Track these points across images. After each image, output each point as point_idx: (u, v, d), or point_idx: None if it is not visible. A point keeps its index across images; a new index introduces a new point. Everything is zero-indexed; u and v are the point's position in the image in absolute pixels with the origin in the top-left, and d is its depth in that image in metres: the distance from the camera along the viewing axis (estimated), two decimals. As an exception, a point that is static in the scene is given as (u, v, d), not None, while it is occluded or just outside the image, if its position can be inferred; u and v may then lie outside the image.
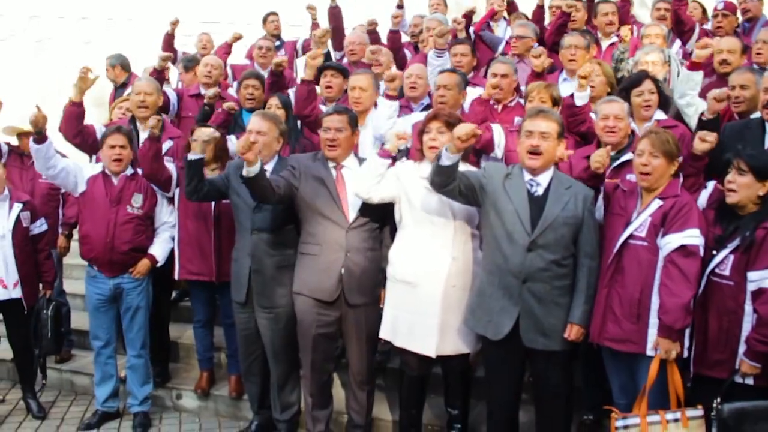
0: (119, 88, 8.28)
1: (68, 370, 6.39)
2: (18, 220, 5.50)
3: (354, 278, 4.63)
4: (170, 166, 5.57)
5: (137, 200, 5.37)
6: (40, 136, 5.07)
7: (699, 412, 3.77)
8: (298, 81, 6.93)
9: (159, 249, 5.52)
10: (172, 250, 5.61)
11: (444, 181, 4.12)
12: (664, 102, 5.13)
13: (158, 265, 5.52)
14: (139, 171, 5.50)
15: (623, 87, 5.20)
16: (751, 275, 3.77)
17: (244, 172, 4.33)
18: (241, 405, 5.72)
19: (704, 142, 4.16)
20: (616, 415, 3.87)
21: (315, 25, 9.28)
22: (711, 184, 4.31)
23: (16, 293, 5.48)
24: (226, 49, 8.52)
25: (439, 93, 5.41)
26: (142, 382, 5.61)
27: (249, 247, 4.87)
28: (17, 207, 5.50)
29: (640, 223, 4.01)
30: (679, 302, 3.78)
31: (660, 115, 5.08)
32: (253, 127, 4.86)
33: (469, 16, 7.96)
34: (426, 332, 4.39)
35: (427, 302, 4.37)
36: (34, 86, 11.11)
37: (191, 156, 4.84)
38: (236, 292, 5.01)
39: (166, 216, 5.57)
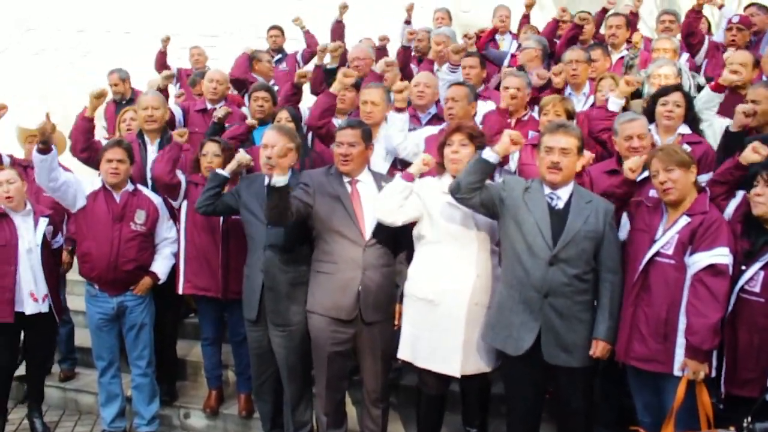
0: (125, 102, 8.22)
1: (72, 389, 6.29)
2: (45, 235, 5.41)
3: (371, 296, 4.55)
4: (181, 176, 5.50)
5: (140, 216, 5.29)
6: (46, 146, 4.98)
7: None
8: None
9: (161, 266, 5.45)
10: (175, 266, 5.53)
11: (476, 180, 4.07)
12: (692, 118, 5.07)
13: (160, 282, 5.43)
14: (140, 187, 5.43)
15: (654, 94, 5.17)
16: None
17: (273, 181, 4.23)
18: (251, 424, 5.62)
19: (756, 153, 4.05)
20: None
21: (308, 35, 9.27)
22: (740, 194, 4.25)
23: (45, 307, 5.37)
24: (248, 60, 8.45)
25: (448, 105, 5.39)
26: (149, 400, 5.52)
27: (262, 264, 4.79)
28: (43, 221, 5.41)
29: (666, 240, 3.96)
30: (707, 323, 3.73)
31: (685, 129, 5.04)
32: (269, 141, 4.78)
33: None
34: (450, 352, 4.32)
35: (450, 321, 4.30)
36: (31, 99, 11.06)
37: (221, 171, 4.99)
38: (248, 309, 4.92)
39: (167, 232, 5.49)
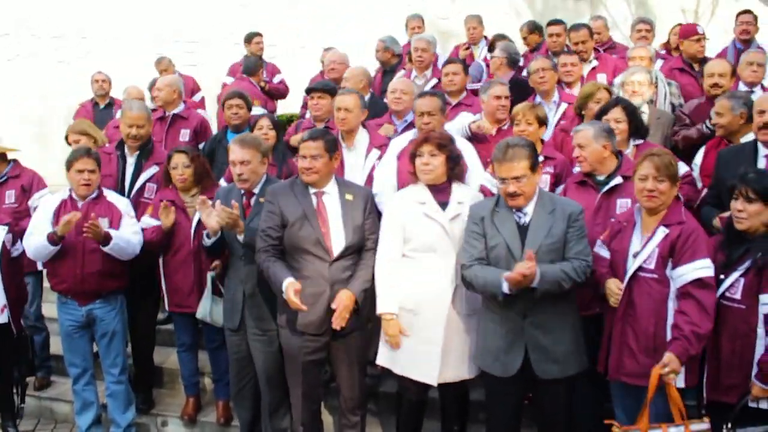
0: (104, 107, 8.21)
1: (47, 398, 6.23)
2: (3, 243, 5.30)
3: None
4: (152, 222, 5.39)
5: (104, 225, 5.11)
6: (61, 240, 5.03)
7: (705, 425, 3.73)
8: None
9: (117, 233, 5.15)
10: (158, 274, 5.49)
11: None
12: (636, 129, 5.07)
13: (107, 244, 5.06)
14: (105, 192, 5.32)
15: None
16: (764, 298, 3.75)
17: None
18: (229, 431, 5.58)
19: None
20: (617, 429, 3.83)
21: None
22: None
23: (4, 318, 5.28)
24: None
25: (424, 120, 5.21)
26: (124, 408, 5.46)
27: (242, 274, 4.78)
28: (2, 230, 5.32)
29: (647, 254, 3.97)
30: (696, 330, 3.75)
31: (637, 141, 5.08)
32: (236, 158, 4.74)
33: None
34: (428, 360, 4.33)
35: (430, 330, 4.31)
36: (7, 105, 11.00)
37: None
38: (229, 319, 4.91)
39: (127, 228, 5.23)
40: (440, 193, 4.41)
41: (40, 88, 11.16)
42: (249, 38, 9.66)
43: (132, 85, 7.86)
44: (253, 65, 8.77)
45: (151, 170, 5.75)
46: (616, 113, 5.00)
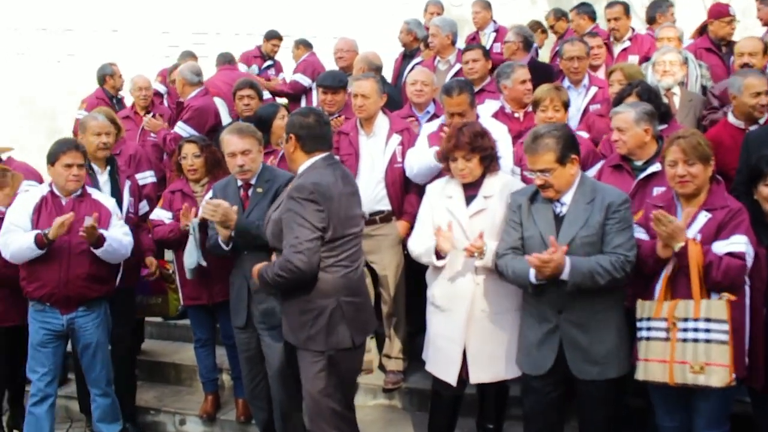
0: (117, 101, 8.18)
1: (63, 396, 6.01)
2: None
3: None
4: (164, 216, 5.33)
5: (89, 224, 4.74)
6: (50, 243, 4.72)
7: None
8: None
9: (111, 234, 4.88)
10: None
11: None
12: (656, 110, 4.75)
13: (100, 246, 4.78)
14: (90, 189, 5.05)
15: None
16: None
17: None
18: (249, 430, 5.44)
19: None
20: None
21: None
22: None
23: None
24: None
25: (455, 120, 4.93)
26: (111, 419, 5.17)
27: (246, 270, 4.56)
28: None
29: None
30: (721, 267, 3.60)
31: (660, 126, 4.81)
32: (236, 148, 4.59)
33: None
34: (449, 359, 4.24)
35: (452, 329, 4.22)
36: (17, 99, 10.99)
37: (226, 249, 4.62)
38: (236, 316, 4.75)
39: (117, 230, 4.98)
40: (472, 186, 4.28)
41: (49, 82, 11.15)
42: (269, 36, 9.59)
43: (138, 75, 7.78)
44: (231, 58, 8.83)
45: (127, 184, 5.52)
46: (632, 100, 4.78)
